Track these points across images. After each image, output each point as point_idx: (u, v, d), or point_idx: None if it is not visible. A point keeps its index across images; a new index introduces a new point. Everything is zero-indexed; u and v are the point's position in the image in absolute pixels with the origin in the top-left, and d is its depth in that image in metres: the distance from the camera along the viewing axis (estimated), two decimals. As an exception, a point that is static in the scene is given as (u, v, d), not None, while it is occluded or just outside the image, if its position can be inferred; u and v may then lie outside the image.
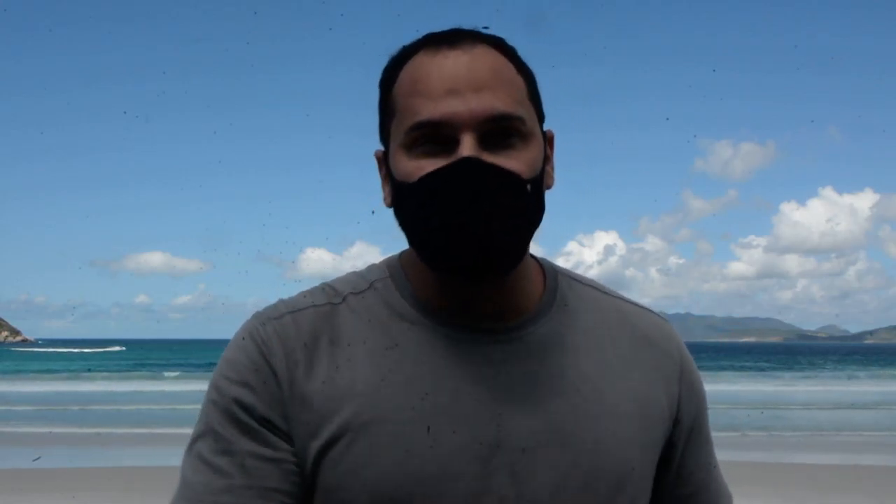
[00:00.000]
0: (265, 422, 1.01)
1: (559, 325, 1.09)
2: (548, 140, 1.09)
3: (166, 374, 39.95)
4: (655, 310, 1.19)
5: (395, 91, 1.04)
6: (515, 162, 1.00)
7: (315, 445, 1.00)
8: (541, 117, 1.07)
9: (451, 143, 0.98)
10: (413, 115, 1.00)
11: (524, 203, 1.00)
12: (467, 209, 0.96)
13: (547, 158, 1.08)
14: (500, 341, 1.05)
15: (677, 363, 1.14)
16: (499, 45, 1.05)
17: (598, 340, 1.10)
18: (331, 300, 1.07)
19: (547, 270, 1.14)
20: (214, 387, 1.04)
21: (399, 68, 1.04)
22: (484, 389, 1.02)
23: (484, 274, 1.00)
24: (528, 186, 1.00)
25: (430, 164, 0.99)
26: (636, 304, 1.18)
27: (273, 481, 1.00)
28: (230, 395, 1.02)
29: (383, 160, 1.08)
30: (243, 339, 1.05)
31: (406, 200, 1.01)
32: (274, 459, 1.00)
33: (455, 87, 0.99)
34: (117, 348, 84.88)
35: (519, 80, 1.04)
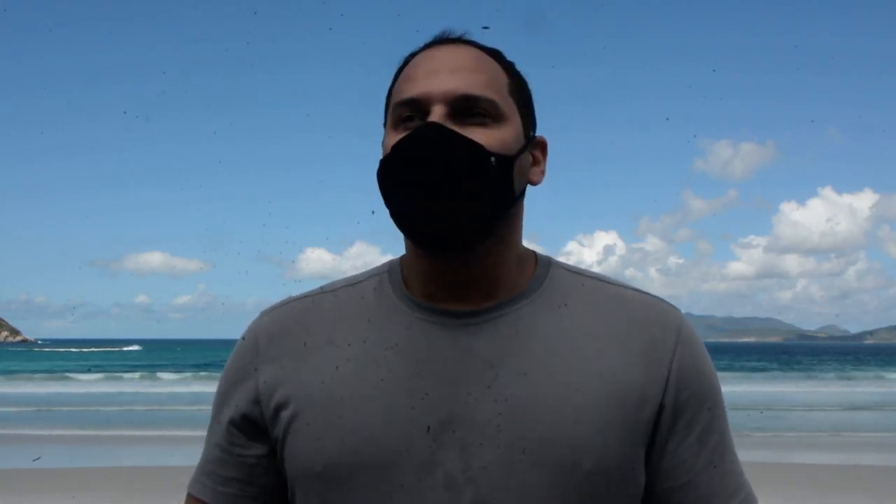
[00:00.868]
0: (246, 420, 1.14)
1: (537, 309, 1.10)
2: (538, 145, 1.16)
3: (162, 374, 39.93)
4: (664, 299, 1.15)
5: (393, 86, 1.13)
6: (482, 135, 1.05)
7: (284, 418, 1.10)
8: (527, 118, 1.13)
9: (425, 118, 1.06)
10: (398, 96, 1.10)
11: (487, 174, 1.04)
12: (427, 171, 1.02)
13: (536, 160, 1.15)
14: (471, 324, 1.08)
15: (670, 345, 1.09)
16: (491, 51, 1.14)
17: (578, 322, 1.09)
18: (324, 291, 1.19)
19: (540, 261, 1.16)
20: (217, 390, 1.20)
21: (400, 71, 1.14)
22: (446, 369, 1.06)
23: (453, 243, 1.05)
24: (493, 160, 1.04)
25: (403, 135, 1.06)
26: (639, 291, 1.15)
27: (242, 474, 1.16)
28: (221, 395, 1.18)
29: None
30: (242, 337, 1.19)
31: (382, 173, 1.07)
32: (243, 455, 1.15)
33: (435, 70, 1.08)
34: (134, 347, 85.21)
35: (502, 77, 1.11)
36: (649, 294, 1.15)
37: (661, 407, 1.08)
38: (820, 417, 20.74)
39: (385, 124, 1.13)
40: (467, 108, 1.06)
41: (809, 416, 21.17)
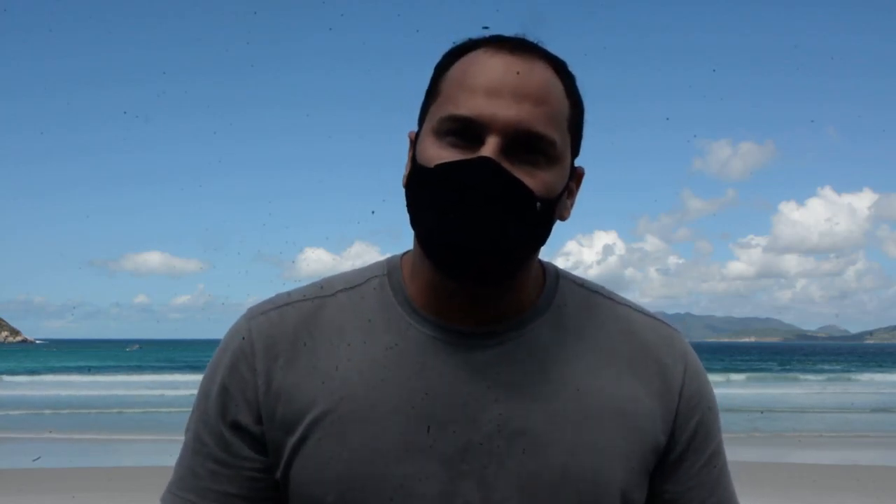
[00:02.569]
0: (236, 427, 1.06)
1: (550, 330, 1.08)
2: (576, 176, 1.10)
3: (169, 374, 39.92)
4: (665, 320, 1.15)
5: (445, 77, 1.05)
6: (532, 179, 0.99)
7: (290, 441, 1.03)
8: (576, 151, 1.08)
9: (477, 143, 0.99)
10: (450, 106, 1.01)
11: (530, 218, 1.00)
12: (473, 206, 0.97)
13: (570, 192, 1.09)
14: (484, 346, 1.05)
15: (679, 373, 1.10)
16: (559, 67, 1.05)
17: (591, 347, 1.08)
18: (320, 294, 1.10)
19: (548, 273, 1.13)
20: (201, 387, 1.10)
21: (457, 57, 1.05)
22: (461, 393, 1.02)
23: (476, 282, 1.01)
24: (538, 205, 1.00)
25: (450, 155, 0.99)
26: (644, 313, 1.14)
27: (233, 487, 1.06)
28: (209, 399, 1.08)
29: (414, 141, 1.08)
30: (230, 338, 1.09)
31: (420, 184, 1.02)
32: (235, 466, 1.06)
33: (499, 89, 0.99)
34: (135, 347, 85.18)
35: (565, 106, 1.04)
36: (653, 316, 1.15)
37: (672, 435, 1.09)
38: (819, 417, 20.72)
39: (424, 115, 1.06)
40: (523, 144, 0.99)
41: (809, 416, 21.14)
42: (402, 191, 1.07)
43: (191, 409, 1.11)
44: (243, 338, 1.08)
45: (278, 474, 1.05)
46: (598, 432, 1.03)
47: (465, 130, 0.99)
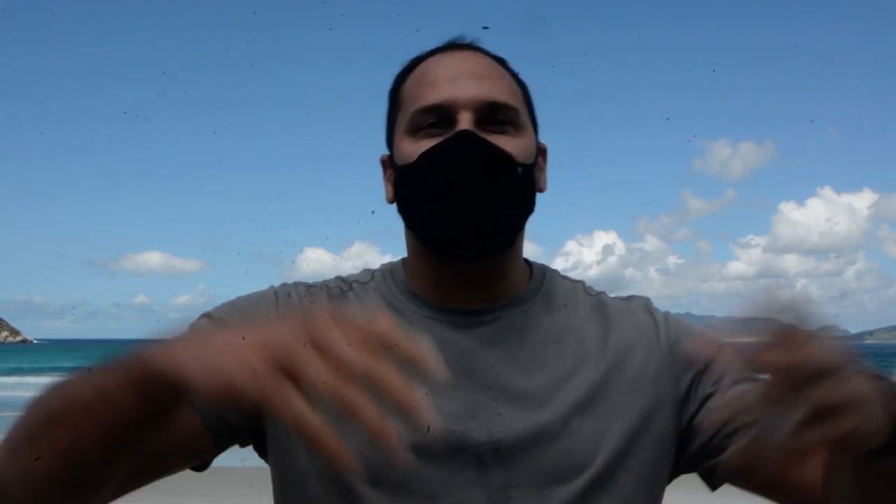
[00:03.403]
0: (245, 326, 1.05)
1: (544, 311, 1.11)
2: (541, 151, 1.14)
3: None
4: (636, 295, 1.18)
5: (403, 89, 1.11)
6: (509, 144, 1.05)
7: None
8: (534, 126, 1.13)
9: (451, 124, 1.04)
10: (417, 101, 1.06)
11: (517, 184, 1.05)
12: (464, 179, 1.01)
13: (539, 166, 1.12)
14: (484, 323, 1.07)
15: (654, 327, 1.12)
16: (498, 59, 1.12)
17: (585, 327, 1.11)
18: (341, 286, 1.13)
19: (535, 267, 1.17)
20: (215, 308, 1.07)
21: (408, 74, 1.12)
22: (467, 360, 1.04)
23: (478, 251, 1.04)
24: (520, 169, 1.05)
25: (429, 144, 1.04)
26: (619, 298, 1.18)
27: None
28: (228, 308, 1.06)
29: (388, 163, 1.12)
30: (258, 294, 1.09)
31: (406, 182, 1.05)
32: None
33: (457, 75, 1.06)
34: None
35: (515, 86, 1.11)
36: (624, 298, 1.17)
37: (678, 381, 1.08)
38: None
39: (392, 129, 1.11)
40: (493, 115, 1.05)
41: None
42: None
43: None
44: (272, 299, 1.08)
45: (269, 446, 1.04)
46: (610, 413, 1.04)
47: (437, 117, 1.04)
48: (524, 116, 1.09)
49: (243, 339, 0.73)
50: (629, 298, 1.18)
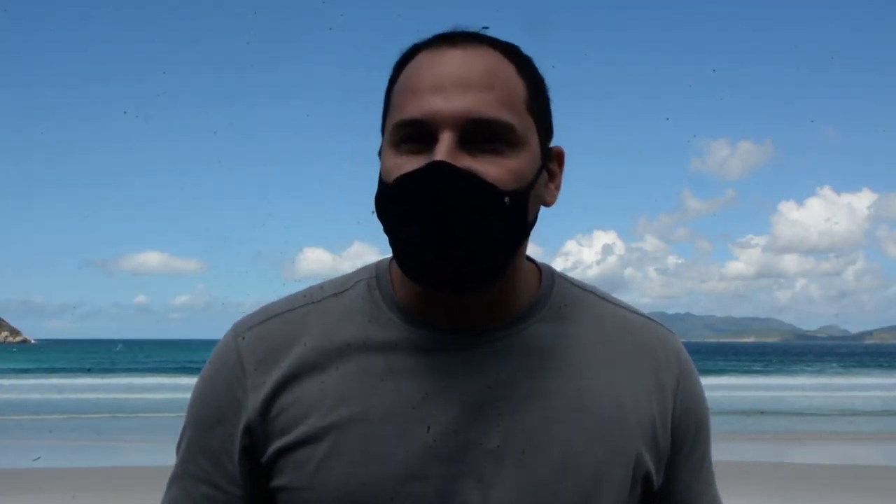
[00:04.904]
0: (228, 450, 1.05)
1: (549, 328, 1.06)
2: (555, 157, 1.07)
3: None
4: (659, 320, 1.16)
5: (394, 88, 1.03)
6: (496, 169, 0.96)
7: (287, 451, 1.01)
8: (544, 131, 1.04)
9: (432, 142, 0.96)
10: (399, 112, 0.99)
11: (499, 216, 0.96)
12: (434, 219, 0.94)
13: (551, 175, 1.06)
14: (478, 345, 1.03)
15: (674, 376, 1.10)
16: (506, 49, 1.02)
17: (590, 345, 1.07)
18: (305, 303, 1.08)
19: (544, 274, 1.11)
20: (190, 409, 1.09)
21: (403, 66, 1.03)
22: (456, 394, 1.01)
23: (455, 289, 0.98)
24: (507, 199, 0.96)
25: (408, 164, 0.97)
26: (638, 314, 1.14)
27: None
28: (199, 423, 1.07)
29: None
30: (217, 358, 1.08)
31: (383, 201, 1.00)
32: (227, 491, 1.05)
33: (442, 84, 0.97)
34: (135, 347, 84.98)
35: (519, 87, 1.00)
36: (647, 317, 1.15)
37: (667, 438, 1.09)
38: (819, 418, 20.73)
39: (383, 131, 1.05)
40: (479, 133, 0.96)
41: (809, 416, 21.16)
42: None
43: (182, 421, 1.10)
44: (232, 356, 1.06)
45: (273, 483, 1.03)
46: (598, 431, 1.03)
47: (418, 133, 0.97)
48: (524, 129, 0.99)
49: None
50: (655, 327, 1.14)
